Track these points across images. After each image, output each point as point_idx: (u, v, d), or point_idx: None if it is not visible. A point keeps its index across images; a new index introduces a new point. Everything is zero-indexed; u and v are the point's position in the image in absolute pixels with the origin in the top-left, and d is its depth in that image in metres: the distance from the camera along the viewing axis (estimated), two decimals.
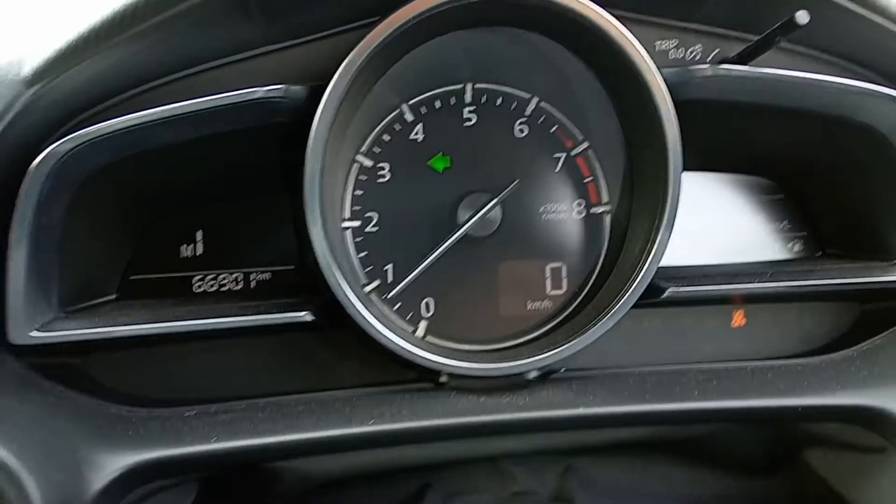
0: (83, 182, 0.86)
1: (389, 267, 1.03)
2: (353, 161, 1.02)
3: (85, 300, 0.96)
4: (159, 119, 0.83)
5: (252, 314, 0.93)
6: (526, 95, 1.04)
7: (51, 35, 0.81)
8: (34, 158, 0.81)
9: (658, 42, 0.97)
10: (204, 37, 0.85)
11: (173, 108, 0.84)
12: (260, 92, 0.85)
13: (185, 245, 1.04)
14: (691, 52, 0.97)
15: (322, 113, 0.86)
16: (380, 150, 1.03)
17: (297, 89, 0.88)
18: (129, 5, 0.77)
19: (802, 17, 0.83)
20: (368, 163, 1.02)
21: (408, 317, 1.03)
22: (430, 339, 1.03)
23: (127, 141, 0.84)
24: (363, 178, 1.03)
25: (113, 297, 1.01)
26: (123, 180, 0.91)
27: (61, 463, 0.79)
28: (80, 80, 0.82)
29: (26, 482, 0.74)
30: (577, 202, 1.06)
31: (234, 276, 1.05)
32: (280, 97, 0.87)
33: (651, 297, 0.97)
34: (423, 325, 1.03)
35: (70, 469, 0.79)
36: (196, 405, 0.94)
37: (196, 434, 0.86)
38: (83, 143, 0.81)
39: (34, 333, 0.85)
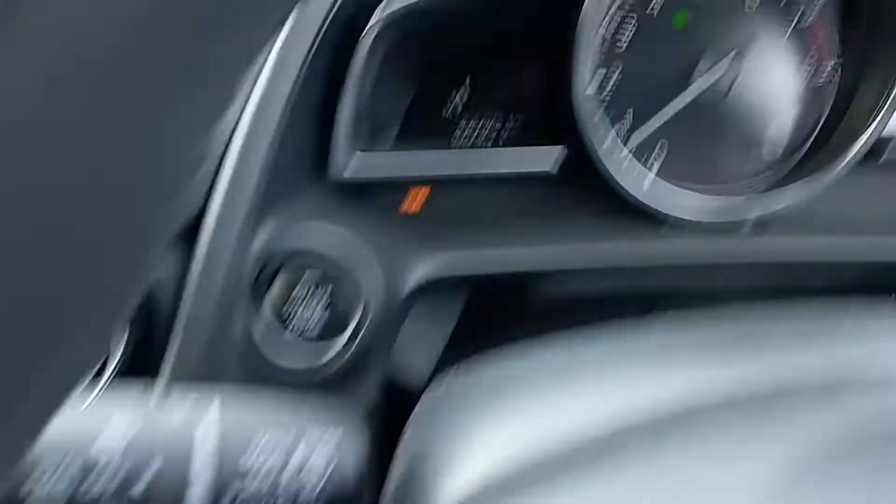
0: (393, 41, 1.03)
1: (631, 111, 1.15)
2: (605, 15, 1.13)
3: (375, 142, 1.16)
4: None
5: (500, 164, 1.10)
6: None
7: None
8: (362, 21, 0.98)
9: None
10: None
11: None
12: None
13: (450, 95, 1.20)
14: None
15: None
16: (625, 5, 1.13)
17: None
18: None
19: None
20: (618, 17, 1.13)
21: (642, 158, 1.17)
22: (658, 180, 1.16)
23: (433, 10, 0.99)
24: (610, 31, 1.14)
25: (394, 136, 1.20)
26: (416, 41, 1.08)
27: (385, 266, 1.02)
28: None
29: (363, 278, 0.98)
30: (805, 68, 1.15)
31: (491, 121, 1.20)
32: None
33: (872, 156, 1.07)
34: (655, 165, 1.17)
35: (391, 269, 1.02)
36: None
37: (473, 256, 1.07)
38: (403, 9, 0.97)
39: (351, 167, 1.05)
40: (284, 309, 1.00)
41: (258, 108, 0.93)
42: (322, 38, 0.95)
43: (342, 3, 0.94)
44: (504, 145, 1.19)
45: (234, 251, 0.96)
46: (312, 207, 1.05)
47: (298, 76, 0.94)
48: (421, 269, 1.05)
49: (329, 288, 1.00)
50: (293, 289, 1.00)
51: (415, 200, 1.17)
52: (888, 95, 1.03)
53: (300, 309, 1.00)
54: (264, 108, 0.93)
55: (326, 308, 1.00)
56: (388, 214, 1.14)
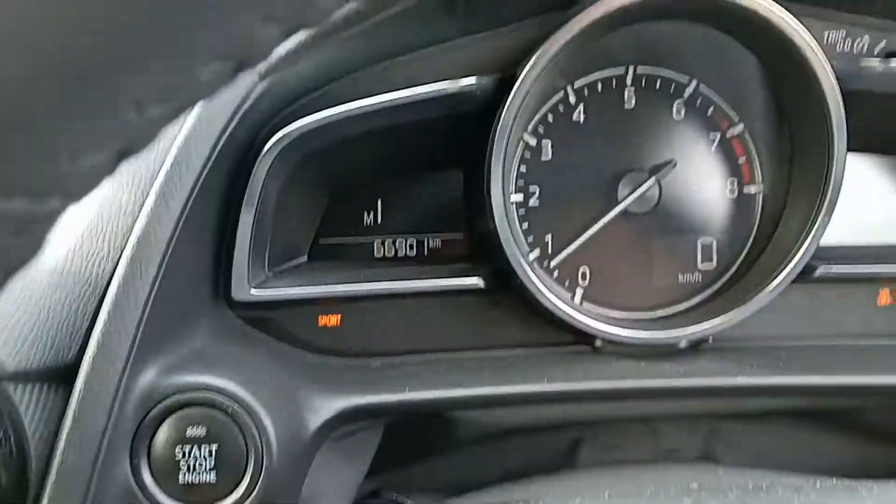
0: (297, 160, 0.97)
1: (549, 237, 1.11)
2: (521, 140, 1.10)
3: (285, 262, 1.09)
4: (364, 110, 0.94)
5: (429, 279, 1.04)
6: (685, 78, 1.10)
7: None
8: (260, 141, 0.93)
9: (827, 33, 1.01)
10: (407, 32, 0.95)
11: (378, 101, 0.94)
12: (456, 87, 0.95)
13: (366, 213, 1.15)
14: (858, 44, 1.01)
15: (511, 101, 0.95)
16: (544, 129, 1.11)
17: (487, 81, 0.97)
18: (353, 6, 0.87)
19: None
20: (533, 141, 1.10)
21: (566, 284, 1.12)
22: (586, 305, 1.11)
23: (336, 128, 0.95)
24: (527, 155, 1.11)
25: (304, 259, 1.13)
26: (323, 159, 1.02)
27: (287, 403, 0.92)
28: (299, 72, 0.93)
29: (264, 418, 0.88)
30: (730, 181, 1.12)
31: (410, 242, 1.15)
32: (472, 90, 0.96)
33: (803, 275, 1.03)
34: (579, 291, 1.12)
35: (294, 408, 0.93)
36: (379, 357, 1.06)
37: (390, 384, 0.98)
38: (306, 128, 0.92)
39: (254, 291, 0.98)
40: (176, 452, 0.90)
41: (144, 229, 0.86)
42: (217, 157, 0.88)
43: (238, 121, 0.88)
44: (424, 262, 1.13)
45: (116, 390, 0.86)
46: (210, 337, 0.96)
47: (190, 196, 0.87)
48: (331, 403, 0.96)
49: (227, 427, 0.89)
50: (185, 430, 0.89)
51: (329, 321, 1.10)
52: (817, 212, 1.00)
53: (194, 452, 0.90)
54: (151, 231, 0.86)
55: (223, 449, 0.90)
56: (295, 341, 1.06)
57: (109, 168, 0.34)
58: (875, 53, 1.01)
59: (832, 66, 0.95)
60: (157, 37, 0.31)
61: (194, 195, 0.87)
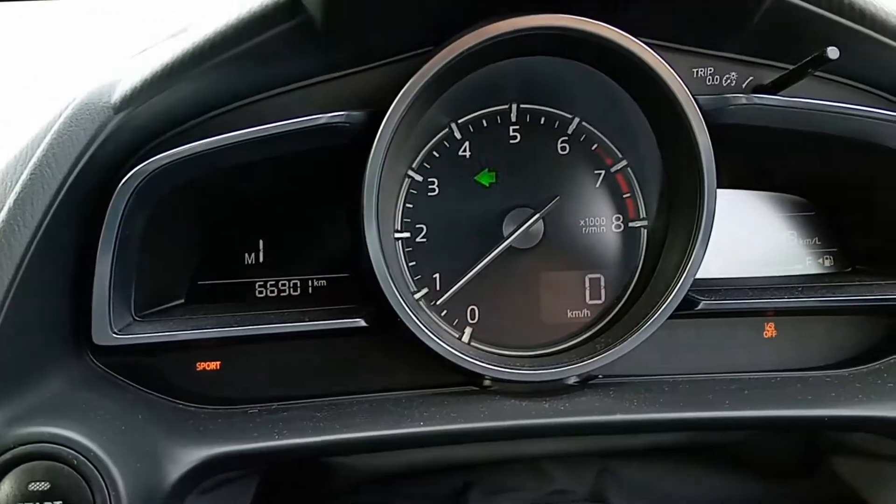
0: (160, 198, 0.94)
1: (437, 276, 1.09)
2: (405, 176, 1.08)
3: (157, 304, 1.04)
4: (231, 144, 0.91)
5: (310, 320, 1.01)
6: (568, 115, 1.10)
7: (136, 66, 0.89)
8: (118, 177, 0.89)
9: (695, 69, 1.02)
10: (271, 67, 0.93)
11: (244, 133, 0.92)
12: (324, 118, 0.93)
13: (248, 253, 1.11)
14: (727, 79, 1.02)
15: (380, 136, 0.93)
16: (429, 165, 1.09)
17: (357, 115, 0.95)
18: (207, 40, 0.85)
19: (833, 52, 0.88)
20: (419, 178, 1.09)
21: (454, 323, 1.10)
22: (474, 343, 1.09)
23: (201, 163, 0.92)
24: (413, 191, 1.09)
25: (181, 301, 1.09)
26: (192, 196, 0.99)
27: (142, 454, 0.87)
28: (160, 107, 0.90)
29: (113, 471, 0.82)
30: (615, 216, 1.12)
31: (293, 282, 1.12)
32: (342, 123, 0.94)
33: (686, 308, 1.03)
34: (468, 331, 1.10)
35: (150, 460, 0.87)
36: (257, 404, 1.02)
37: (261, 431, 0.94)
38: (165, 164, 0.89)
39: (115, 335, 0.93)
40: None
41: None
42: (67, 195, 0.84)
43: (90, 158, 0.85)
44: (308, 303, 1.09)
45: None
46: (66, 385, 0.91)
47: (33, 238, 0.82)
48: (194, 452, 0.91)
49: (73, 481, 0.84)
50: (27, 485, 0.83)
51: (208, 366, 1.06)
52: (692, 245, 1.00)
53: None
54: None
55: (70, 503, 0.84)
56: (170, 390, 1.01)
57: None
58: (743, 88, 1.02)
59: (698, 101, 0.95)
60: None
61: (40, 236, 0.82)
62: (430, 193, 1.09)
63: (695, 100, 0.95)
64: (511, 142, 1.10)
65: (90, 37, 1.31)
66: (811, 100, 0.99)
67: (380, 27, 0.93)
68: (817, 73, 0.99)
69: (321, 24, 0.88)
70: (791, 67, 0.98)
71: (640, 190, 1.11)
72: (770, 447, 1.16)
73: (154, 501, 0.86)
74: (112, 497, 0.82)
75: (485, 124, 1.10)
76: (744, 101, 0.98)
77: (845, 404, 1.00)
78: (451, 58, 0.92)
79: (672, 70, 0.94)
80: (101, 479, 0.82)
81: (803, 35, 0.97)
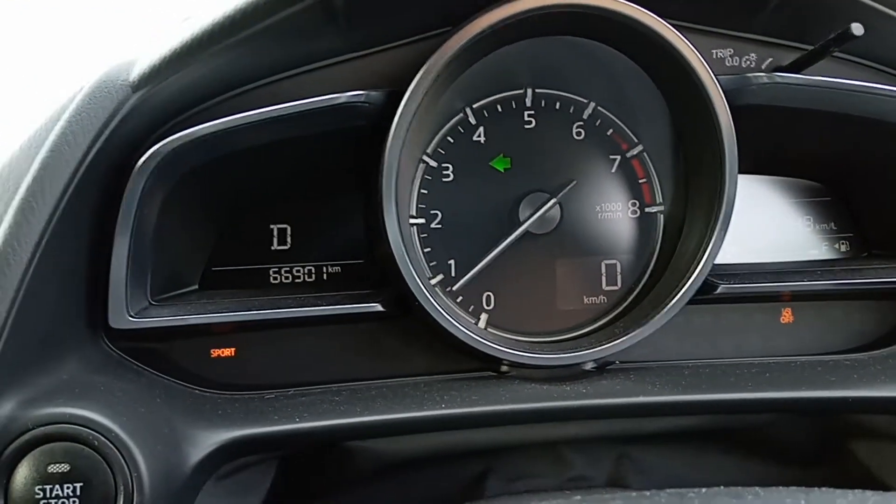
0: (177, 179, 0.92)
1: (452, 262, 1.08)
2: (420, 161, 1.08)
3: (171, 290, 1.03)
4: (250, 122, 0.90)
5: (327, 305, 1.00)
6: (583, 100, 1.10)
7: (156, 44, 0.88)
8: (136, 157, 0.88)
9: (715, 50, 1.02)
10: (291, 45, 0.92)
11: (263, 112, 0.90)
12: (343, 97, 0.92)
13: (262, 239, 1.10)
14: (746, 60, 1.02)
15: (401, 116, 0.92)
16: (444, 151, 1.08)
17: (376, 94, 0.94)
18: (227, 17, 0.84)
19: (857, 29, 0.88)
20: (433, 163, 1.08)
21: (470, 309, 1.09)
22: (490, 329, 1.08)
23: (219, 142, 0.90)
24: (428, 177, 1.08)
25: (195, 287, 1.08)
26: (209, 179, 0.98)
27: (162, 437, 0.86)
28: (179, 85, 0.89)
29: (135, 452, 0.81)
30: (631, 202, 1.11)
31: (308, 268, 1.11)
32: (361, 102, 0.93)
33: (704, 293, 1.02)
34: (484, 317, 1.09)
35: (170, 443, 0.86)
36: (273, 389, 1.01)
37: (281, 414, 0.93)
38: (183, 143, 0.88)
39: (132, 319, 0.92)
40: (36, 492, 0.82)
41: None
42: (86, 174, 0.83)
43: (108, 137, 0.84)
44: (323, 288, 1.08)
45: None
46: (82, 368, 0.90)
47: (51, 218, 0.81)
48: (214, 435, 0.89)
49: (94, 463, 0.82)
50: (46, 467, 0.82)
51: (223, 353, 1.05)
52: (712, 230, 1.00)
53: (56, 491, 0.82)
54: (7, 254, 0.79)
55: (90, 488, 0.82)
56: (185, 376, 1.00)
57: None
58: (762, 69, 1.02)
59: (720, 81, 0.95)
60: None
61: (57, 216, 0.81)
62: (444, 179, 1.09)
63: (717, 79, 0.95)
64: (526, 127, 1.10)
65: (102, 26, 1.30)
66: (835, 79, 0.98)
67: (399, 6, 0.92)
68: (836, 55, 0.99)
69: (341, 2, 0.88)
70: (809, 48, 0.98)
71: (657, 175, 1.11)
72: (789, 431, 1.16)
73: (174, 484, 0.85)
74: (134, 479, 0.81)
75: (500, 109, 1.09)
76: (765, 80, 0.98)
77: (868, 386, 1.00)
78: (474, 34, 0.92)
79: (693, 49, 0.94)
80: (122, 460, 0.81)
81: (822, 15, 0.97)
